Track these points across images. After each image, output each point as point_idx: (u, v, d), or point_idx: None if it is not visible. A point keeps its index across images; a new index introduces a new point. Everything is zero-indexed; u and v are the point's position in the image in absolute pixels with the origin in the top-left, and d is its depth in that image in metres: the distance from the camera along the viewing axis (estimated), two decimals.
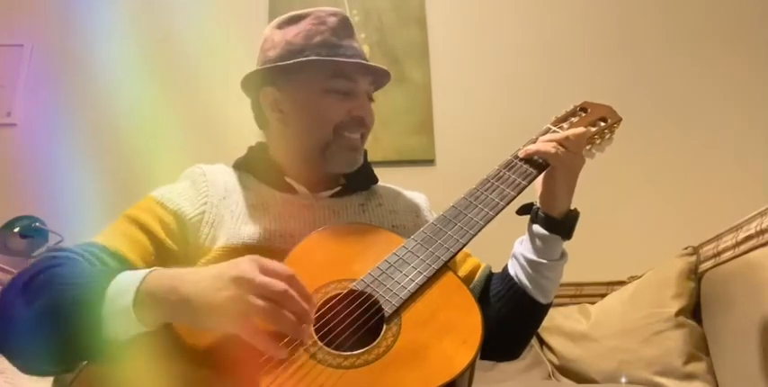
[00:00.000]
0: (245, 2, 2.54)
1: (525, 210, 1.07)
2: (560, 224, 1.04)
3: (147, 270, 0.79)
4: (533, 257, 1.05)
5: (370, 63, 1.11)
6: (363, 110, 1.10)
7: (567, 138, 1.02)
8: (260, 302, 0.70)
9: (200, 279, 0.75)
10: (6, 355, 0.83)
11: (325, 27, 1.10)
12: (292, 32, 1.11)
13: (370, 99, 1.15)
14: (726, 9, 2.47)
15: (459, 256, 1.12)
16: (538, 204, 1.06)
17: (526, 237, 1.08)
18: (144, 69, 2.44)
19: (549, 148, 1.01)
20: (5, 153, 2.37)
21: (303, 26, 1.11)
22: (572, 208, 1.06)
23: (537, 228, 1.05)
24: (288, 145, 1.14)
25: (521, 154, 1.04)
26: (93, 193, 2.15)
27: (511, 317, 1.05)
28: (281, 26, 1.14)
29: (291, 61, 1.07)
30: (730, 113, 2.33)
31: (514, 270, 1.08)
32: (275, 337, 0.73)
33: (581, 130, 1.04)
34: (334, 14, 1.13)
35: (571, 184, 1.05)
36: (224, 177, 1.11)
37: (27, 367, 0.84)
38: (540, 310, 1.09)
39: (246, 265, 0.74)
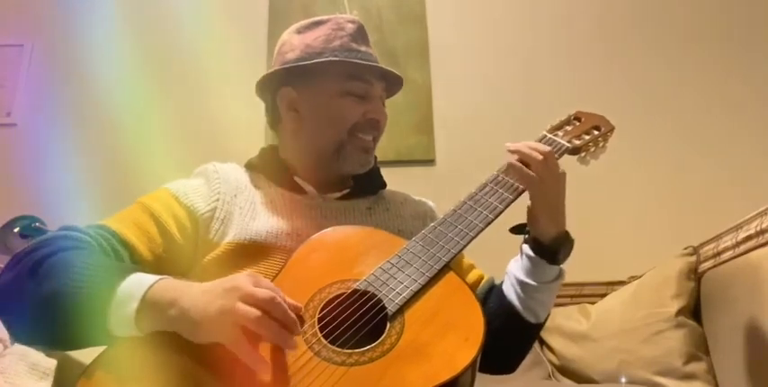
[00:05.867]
0: (245, 2, 2.54)
1: (518, 229, 1.07)
2: (545, 249, 1.04)
3: (156, 278, 0.80)
4: (523, 278, 1.05)
5: (388, 68, 1.14)
6: (378, 113, 1.13)
7: (538, 160, 1.00)
8: (247, 308, 0.71)
9: (199, 292, 0.76)
10: (3, 322, 0.87)
11: (344, 32, 1.14)
12: (312, 37, 1.15)
13: (383, 103, 1.18)
14: (725, 11, 2.47)
15: (464, 266, 1.15)
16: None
17: (519, 255, 1.08)
18: (144, 69, 2.44)
19: (523, 170, 1.00)
20: (5, 153, 2.37)
21: (323, 31, 1.15)
22: (566, 233, 1.05)
23: (526, 248, 1.06)
24: (301, 145, 1.16)
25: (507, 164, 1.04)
26: (93, 193, 2.15)
27: (502, 333, 1.02)
28: (300, 31, 1.18)
29: (312, 61, 1.10)
30: (729, 114, 2.34)
31: (506, 288, 1.08)
32: (261, 352, 0.73)
33: (546, 148, 1.03)
34: (351, 21, 1.17)
35: (552, 207, 1.03)
36: (236, 175, 1.13)
37: (18, 338, 0.88)
38: (531, 330, 1.09)
39: (241, 279, 0.76)
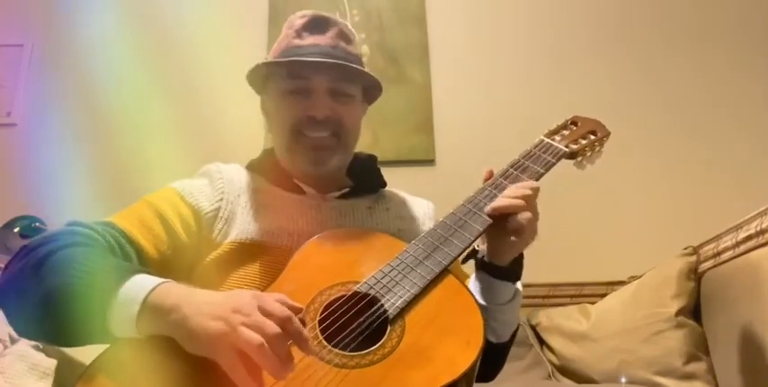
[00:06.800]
0: (245, 2, 2.54)
1: (469, 257, 1.05)
2: (506, 271, 1.02)
3: (158, 281, 0.80)
4: (481, 303, 1.03)
5: (307, 59, 1.08)
6: (314, 109, 1.09)
7: (528, 197, 0.97)
8: (250, 334, 0.69)
9: (202, 303, 0.75)
10: (5, 314, 0.86)
11: (290, 31, 1.14)
12: (276, 43, 1.17)
13: (339, 95, 1.12)
14: (726, 12, 2.47)
15: (459, 276, 1.13)
16: (478, 249, 1.04)
17: (473, 279, 1.07)
18: (143, 69, 2.44)
19: (520, 204, 0.97)
20: (5, 153, 2.37)
21: (282, 33, 1.16)
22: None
23: (483, 275, 1.04)
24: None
25: (489, 209, 0.99)
26: (93, 193, 2.15)
27: None
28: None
29: (249, 71, 1.14)
30: (730, 114, 2.34)
31: None
32: (255, 374, 0.71)
33: (535, 184, 1.01)
34: (303, 16, 1.15)
35: (531, 240, 1.00)
36: (238, 176, 1.14)
37: (20, 333, 0.89)
38: (494, 350, 1.07)
39: (247, 301, 0.74)
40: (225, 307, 0.73)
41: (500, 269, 1.02)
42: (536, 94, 2.38)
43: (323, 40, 1.12)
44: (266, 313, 0.73)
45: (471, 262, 1.06)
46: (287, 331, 0.72)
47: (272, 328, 0.71)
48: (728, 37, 2.44)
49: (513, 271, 1.03)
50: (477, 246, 1.04)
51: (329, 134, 1.11)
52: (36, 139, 2.38)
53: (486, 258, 1.03)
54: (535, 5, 2.53)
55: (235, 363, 0.70)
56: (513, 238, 0.98)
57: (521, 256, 1.04)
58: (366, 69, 1.15)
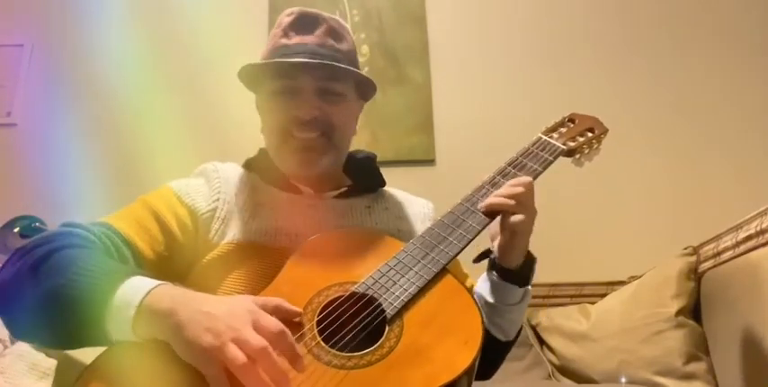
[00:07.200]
0: (245, 2, 2.54)
1: (482, 257, 1.06)
2: (515, 273, 1.03)
3: (154, 283, 0.79)
4: (490, 300, 1.04)
5: (291, 59, 1.06)
6: (299, 109, 1.07)
7: (520, 195, 0.97)
8: (235, 353, 0.68)
9: (198, 310, 0.74)
10: (1, 317, 0.86)
11: (278, 30, 1.12)
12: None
13: (328, 95, 1.09)
14: (732, 13, 2.47)
15: (459, 276, 1.13)
16: (493, 249, 1.05)
17: (485, 277, 1.07)
18: (144, 69, 2.44)
19: (510, 204, 0.97)
20: (5, 153, 2.37)
21: (272, 32, 1.14)
22: (528, 252, 1.04)
23: (494, 275, 1.04)
24: None
25: (481, 207, 0.99)
26: (93, 193, 2.15)
27: None
28: None
29: (238, 72, 1.12)
30: (731, 113, 2.33)
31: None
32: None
33: (528, 179, 1.01)
34: (290, 14, 1.13)
35: (528, 237, 1.01)
36: (235, 175, 1.13)
37: (17, 336, 0.88)
38: (500, 347, 1.08)
39: (242, 314, 0.73)
40: (219, 319, 0.72)
41: (510, 272, 1.02)
42: (536, 94, 2.38)
43: (310, 38, 1.09)
44: (260, 328, 0.72)
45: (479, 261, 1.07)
46: (279, 348, 0.71)
47: (260, 343, 0.70)
48: (736, 36, 2.44)
49: (523, 275, 1.03)
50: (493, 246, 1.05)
51: (318, 135, 1.08)
52: (36, 139, 2.38)
53: (496, 260, 1.04)
54: (536, 5, 2.53)
55: (220, 377, 0.69)
56: (508, 236, 0.99)
57: (532, 261, 1.05)
58: (358, 65, 1.14)
